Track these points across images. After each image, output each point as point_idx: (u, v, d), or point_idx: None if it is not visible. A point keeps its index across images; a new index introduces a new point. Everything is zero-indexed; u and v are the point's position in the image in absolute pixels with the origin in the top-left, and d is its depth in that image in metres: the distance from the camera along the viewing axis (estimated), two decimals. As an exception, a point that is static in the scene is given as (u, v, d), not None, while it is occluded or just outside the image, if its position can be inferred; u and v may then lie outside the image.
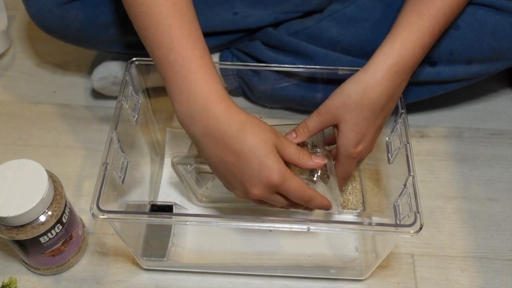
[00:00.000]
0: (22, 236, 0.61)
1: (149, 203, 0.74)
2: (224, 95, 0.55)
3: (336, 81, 0.75)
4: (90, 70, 0.92)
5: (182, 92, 0.55)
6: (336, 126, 0.62)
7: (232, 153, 0.54)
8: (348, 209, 0.74)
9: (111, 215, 0.57)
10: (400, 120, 0.66)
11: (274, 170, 0.54)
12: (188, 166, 0.67)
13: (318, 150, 0.63)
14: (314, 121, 0.62)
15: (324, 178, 0.62)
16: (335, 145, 0.64)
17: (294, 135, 0.63)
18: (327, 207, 0.60)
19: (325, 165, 0.62)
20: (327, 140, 0.68)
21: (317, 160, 0.58)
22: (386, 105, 0.61)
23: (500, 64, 0.75)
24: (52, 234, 0.63)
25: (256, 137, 0.54)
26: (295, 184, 0.56)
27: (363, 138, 0.62)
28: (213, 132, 0.54)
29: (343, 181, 0.68)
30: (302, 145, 0.63)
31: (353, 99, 0.59)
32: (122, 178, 0.64)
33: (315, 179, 0.62)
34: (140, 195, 0.75)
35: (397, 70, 0.60)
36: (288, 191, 0.56)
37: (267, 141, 0.54)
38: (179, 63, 0.55)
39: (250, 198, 0.58)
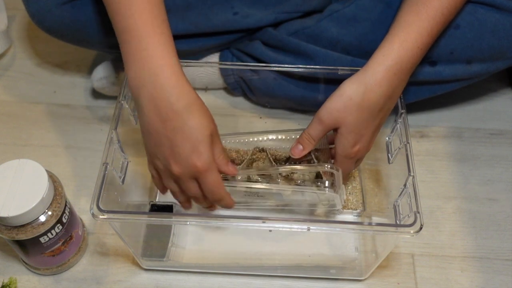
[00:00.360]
0: (22, 236, 0.61)
1: (149, 203, 0.74)
2: (177, 68, 0.56)
3: (336, 81, 0.75)
4: (90, 70, 0.92)
5: (135, 58, 0.56)
6: (335, 129, 0.63)
7: (170, 127, 0.55)
8: (348, 209, 0.74)
9: (111, 215, 0.57)
10: (400, 120, 0.66)
11: (203, 157, 0.55)
12: None
13: (327, 165, 0.64)
14: (316, 129, 0.62)
15: (335, 187, 0.64)
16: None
17: (301, 147, 0.64)
18: (229, 208, 0.62)
19: (333, 175, 0.64)
20: (329, 139, 0.68)
21: (230, 168, 0.60)
22: (385, 105, 0.62)
23: (500, 64, 0.75)
24: (52, 234, 0.63)
25: (199, 120, 0.55)
26: (214, 178, 0.57)
27: (361, 138, 0.62)
28: (158, 101, 0.55)
29: (343, 180, 0.68)
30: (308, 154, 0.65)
31: (354, 101, 0.60)
32: (122, 178, 0.64)
33: (326, 189, 0.64)
34: (140, 195, 0.75)
35: (396, 72, 0.60)
36: (206, 182, 0.57)
37: (207, 128, 0.56)
38: (135, 28, 0.56)
39: (166, 174, 0.59)
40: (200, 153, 0.55)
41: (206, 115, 0.57)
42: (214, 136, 0.58)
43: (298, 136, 0.65)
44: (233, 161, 0.68)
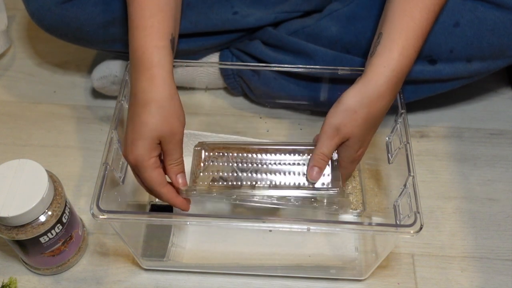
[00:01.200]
0: (22, 236, 0.61)
1: (149, 203, 0.74)
2: (156, 60, 0.57)
3: (336, 81, 0.75)
4: (90, 70, 0.92)
5: (130, 41, 0.59)
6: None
7: (130, 113, 0.59)
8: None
9: (111, 215, 0.57)
10: (400, 120, 0.66)
11: (136, 153, 0.57)
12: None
13: (334, 188, 0.64)
14: (329, 146, 0.62)
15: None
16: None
17: (317, 169, 0.63)
18: (180, 207, 0.63)
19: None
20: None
21: (178, 180, 0.61)
22: (385, 112, 0.63)
23: (500, 62, 0.75)
24: (52, 234, 0.63)
25: (150, 119, 0.57)
26: (148, 175, 0.59)
27: (363, 144, 0.63)
28: (133, 88, 0.59)
29: (345, 182, 0.68)
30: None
31: (359, 114, 0.60)
32: (122, 178, 0.64)
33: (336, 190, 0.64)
34: (140, 195, 0.75)
35: (397, 81, 0.60)
36: (141, 177, 0.60)
37: (155, 130, 0.57)
38: (131, 19, 0.59)
39: None
40: (135, 148, 0.57)
41: (163, 118, 0.57)
42: (167, 142, 0.58)
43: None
44: (235, 172, 0.68)
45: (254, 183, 0.66)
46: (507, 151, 0.84)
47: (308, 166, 0.64)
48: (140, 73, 0.57)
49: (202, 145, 0.70)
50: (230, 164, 0.68)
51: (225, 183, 0.66)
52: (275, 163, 0.67)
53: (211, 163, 0.68)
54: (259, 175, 0.66)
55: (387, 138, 0.69)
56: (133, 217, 0.59)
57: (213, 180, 0.66)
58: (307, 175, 0.64)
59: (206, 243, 0.73)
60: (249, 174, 0.66)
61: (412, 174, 0.60)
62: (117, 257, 0.72)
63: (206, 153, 0.69)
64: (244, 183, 0.65)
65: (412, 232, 0.55)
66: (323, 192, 0.64)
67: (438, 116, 0.89)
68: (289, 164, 0.67)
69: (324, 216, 0.74)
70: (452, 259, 0.72)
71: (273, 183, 0.65)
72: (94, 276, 0.70)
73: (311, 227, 0.56)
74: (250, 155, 0.68)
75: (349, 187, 0.76)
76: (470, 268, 0.71)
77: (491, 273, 0.71)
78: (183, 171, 0.62)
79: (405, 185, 0.60)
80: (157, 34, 0.58)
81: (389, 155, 0.68)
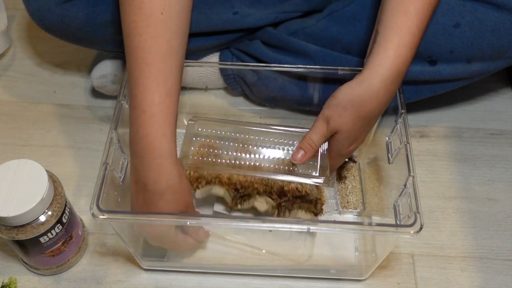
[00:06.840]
0: (22, 236, 0.61)
1: (149, 203, 0.74)
2: (165, 149, 0.57)
3: (336, 81, 0.75)
4: (90, 70, 0.92)
5: (133, 125, 0.58)
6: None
7: (143, 198, 0.59)
8: (348, 208, 0.74)
9: (111, 215, 0.57)
10: (400, 120, 0.66)
11: None
12: None
13: (320, 177, 0.68)
14: (318, 134, 0.64)
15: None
16: None
17: (303, 152, 0.65)
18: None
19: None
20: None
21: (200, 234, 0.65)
22: (381, 111, 0.63)
23: (500, 63, 0.75)
24: (52, 234, 0.63)
25: (167, 206, 0.59)
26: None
27: (355, 140, 0.65)
28: (141, 178, 0.58)
29: (332, 172, 0.70)
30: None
31: (348, 112, 0.61)
32: (122, 178, 0.64)
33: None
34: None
35: (393, 79, 0.60)
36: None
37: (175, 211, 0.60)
38: (137, 101, 0.57)
39: None
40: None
41: (177, 201, 0.59)
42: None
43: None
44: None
45: (241, 162, 0.68)
46: (507, 151, 0.84)
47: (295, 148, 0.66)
48: (148, 161, 0.57)
49: (196, 120, 0.72)
50: (222, 142, 0.69)
51: (214, 159, 0.68)
52: (267, 144, 0.69)
53: (203, 139, 0.69)
54: (247, 155, 0.68)
55: (387, 138, 0.69)
56: (133, 217, 0.59)
57: (203, 155, 0.68)
58: (291, 156, 0.66)
59: (206, 243, 0.72)
60: (238, 154, 0.67)
61: (412, 174, 0.60)
62: (117, 257, 0.72)
63: (199, 128, 0.71)
64: (233, 161, 0.67)
65: (412, 232, 0.55)
66: (309, 179, 0.67)
67: (438, 116, 0.89)
68: (281, 146, 0.69)
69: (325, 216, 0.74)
70: (452, 259, 0.72)
71: (261, 163, 0.67)
72: (94, 276, 0.70)
73: (311, 227, 0.56)
74: (242, 135, 0.69)
75: (349, 187, 0.76)
76: (470, 268, 0.71)
77: (491, 273, 0.71)
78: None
79: (405, 185, 0.60)
80: (165, 121, 0.57)
81: (389, 155, 0.68)
